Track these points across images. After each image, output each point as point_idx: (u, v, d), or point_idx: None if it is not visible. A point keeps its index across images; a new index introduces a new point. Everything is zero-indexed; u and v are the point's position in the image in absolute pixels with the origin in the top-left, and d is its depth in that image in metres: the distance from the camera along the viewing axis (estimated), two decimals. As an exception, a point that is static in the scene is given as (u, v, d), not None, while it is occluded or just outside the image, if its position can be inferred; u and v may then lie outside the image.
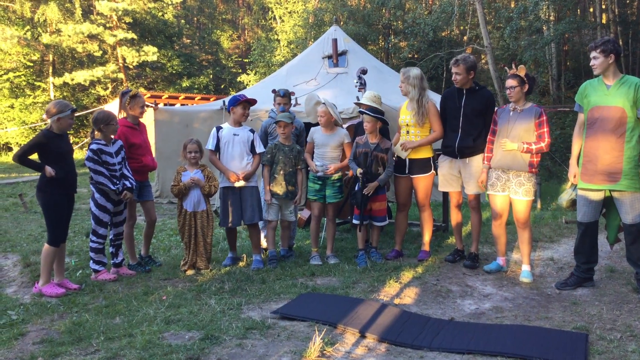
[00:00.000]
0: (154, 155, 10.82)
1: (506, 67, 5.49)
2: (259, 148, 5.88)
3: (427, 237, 6.08)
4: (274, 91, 6.33)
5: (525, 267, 5.36)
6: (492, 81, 16.69)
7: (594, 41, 4.82)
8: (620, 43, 16.85)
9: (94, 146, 5.26)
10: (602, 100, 4.71)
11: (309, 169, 6.09)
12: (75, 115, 5.18)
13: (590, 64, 4.78)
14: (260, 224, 6.11)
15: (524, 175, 5.21)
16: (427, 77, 19.34)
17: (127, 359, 3.57)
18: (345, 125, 7.02)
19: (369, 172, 5.74)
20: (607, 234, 5.23)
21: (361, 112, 5.91)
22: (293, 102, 9.69)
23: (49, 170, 4.87)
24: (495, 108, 5.58)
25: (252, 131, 5.93)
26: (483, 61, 21.81)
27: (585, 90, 4.88)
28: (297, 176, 5.93)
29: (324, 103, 6.11)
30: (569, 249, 6.23)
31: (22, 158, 4.89)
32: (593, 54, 4.73)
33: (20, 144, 22.93)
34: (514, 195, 5.26)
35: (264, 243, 6.18)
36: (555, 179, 13.07)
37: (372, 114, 5.75)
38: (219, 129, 5.86)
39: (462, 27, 23.42)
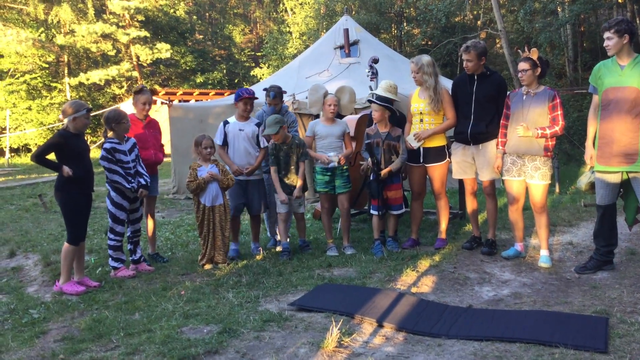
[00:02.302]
0: (169, 151, 10.98)
1: (519, 50, 5.42)
2: (263, 142, 5.99)
3: (443, 225, 6.04)
4: (265, 90, 6.29)
5: (544, 252, 5.31)
6: (507, 65, 16.50)
7: (607, 21, 4.73)
8: (637, 22, 16.53)
9: (107, 145, 5.31)
10: (616, 81, 4.63)
11: (316, 162, 6.05)
12: (92, 114, 5.22)
13: (604, 45, 4.70)
14: (264, 216, 6.37)
15: (539, 159, 5.15)
16: (441, 64, 19.31)
17: (147, 354, 3.61)
18: (359, 115, 7.00)
19: (380, 161, 5.73)
20: (625, 215, 5.17)
21: (370, 101, 5.89)
22: (305, 94, 9.72)
23: (66, 169, 4.92)
24: (508, 92, 5.52)
25: (258, 125, 6.00)
26: (498, 45, 21.60)
27: (599, 72, 4.79)
28: (300, 169, 5.90)
29: (331, 93, 6.10)
30: (588, 233, 6.16)
31: (39, 158, 4.95)
32: (607, 34, 4.64)
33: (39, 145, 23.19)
34: (530, 179, 5.21)
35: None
36: (574, 162, 12.92)
37: (379, 103, 5.72)
38: (225, 123, 5.98)
39: (475, 12, 23.16)
